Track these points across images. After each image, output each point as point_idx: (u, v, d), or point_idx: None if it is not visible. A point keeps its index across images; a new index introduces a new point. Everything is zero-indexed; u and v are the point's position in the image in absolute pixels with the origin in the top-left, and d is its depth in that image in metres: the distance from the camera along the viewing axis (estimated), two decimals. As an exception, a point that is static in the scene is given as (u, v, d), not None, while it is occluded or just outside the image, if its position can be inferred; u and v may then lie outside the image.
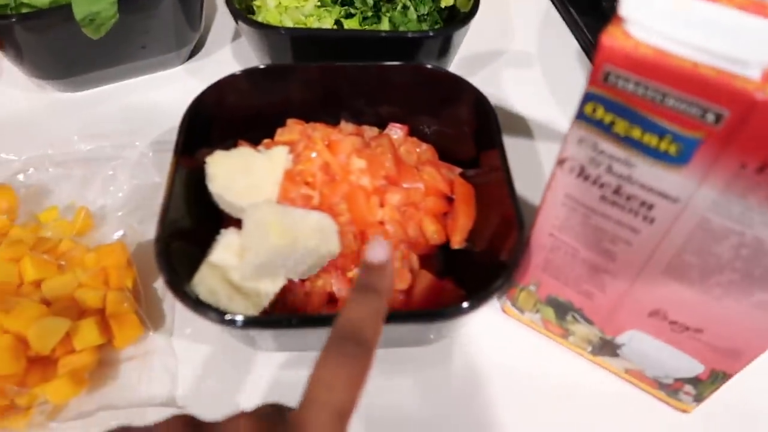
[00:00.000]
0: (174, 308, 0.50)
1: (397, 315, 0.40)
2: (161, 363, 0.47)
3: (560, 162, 0.35)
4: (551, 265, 0.42)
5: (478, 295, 0.38)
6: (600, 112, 0.31)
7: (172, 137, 0.62)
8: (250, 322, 0.37)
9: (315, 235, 0.40)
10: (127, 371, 0.46)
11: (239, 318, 0.37)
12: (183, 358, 0.47)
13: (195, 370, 0.47)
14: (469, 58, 0.72)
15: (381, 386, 0.46)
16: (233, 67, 0.71)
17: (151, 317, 0.48)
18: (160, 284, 0.52)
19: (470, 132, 0.51)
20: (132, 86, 0.68)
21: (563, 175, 0.35)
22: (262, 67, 0.49)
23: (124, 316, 0.46)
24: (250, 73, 0.49)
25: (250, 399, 0.46)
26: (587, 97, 0.31)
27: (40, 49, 0.60)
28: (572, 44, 0.76)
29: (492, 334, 0.50)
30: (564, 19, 0.79)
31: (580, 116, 0.32)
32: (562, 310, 0.45)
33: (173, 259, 0.39)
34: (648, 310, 0.39)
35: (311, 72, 0.51)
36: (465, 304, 0.38)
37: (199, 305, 0.37)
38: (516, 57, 0.74)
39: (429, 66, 0.50)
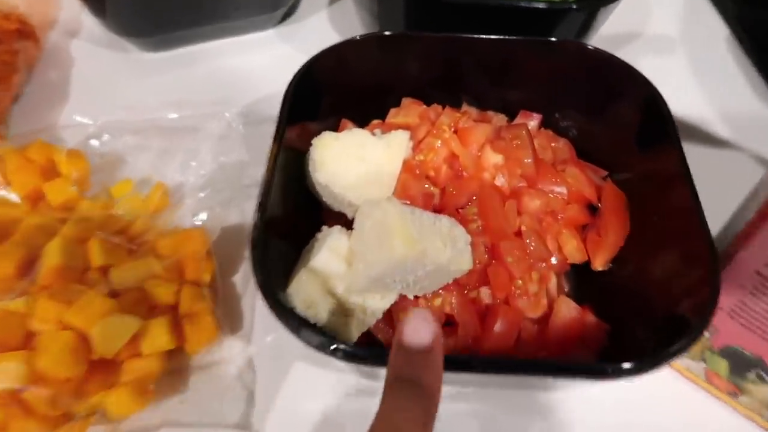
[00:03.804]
0: (254, 310, 0.43)
1: (548, 366, 0.31)
2: (236, 376, 0.40)
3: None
4: (745, 311, 0.32)
5: (653, 357, 0.29)
6: None
7: (262, 108, 0.55)
8: (373, 358, 0.29)
9: (446, 248, 0.32)
10: (197, 383, 0.39)
11: (362, 353, 0.29)
12: (261, 372, 0.40)
13: (274, 388, 0.40)
14: (601, 40, 0.62)
15: (497, 428, 0.38)
16: (329, 33, 0.64)
17: (227, 319, 0.42)
18: (239, 278, 0.45)
19: (628, 130, 0.41)
20: (219, 49, 0.61)
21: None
22: (387, 33, 0.40)
23: (199, 317, 0.39)
24: (370, 40, 0.40)
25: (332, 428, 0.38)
26: None
27: (126, 1, 0.53)
28: (721, 30, 0.64)
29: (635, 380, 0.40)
30: (712, 1, 0.67)
31: None
32: (742, 364, 0.35)
33: (268, 261, 0.32)
34: None
35: (437, 43, 0.42)
36: (630, 365, 0.29)
37: (302, 327, 0.29)
38: (656, 41, 0.63)
39: (590, 47, 0.40)
